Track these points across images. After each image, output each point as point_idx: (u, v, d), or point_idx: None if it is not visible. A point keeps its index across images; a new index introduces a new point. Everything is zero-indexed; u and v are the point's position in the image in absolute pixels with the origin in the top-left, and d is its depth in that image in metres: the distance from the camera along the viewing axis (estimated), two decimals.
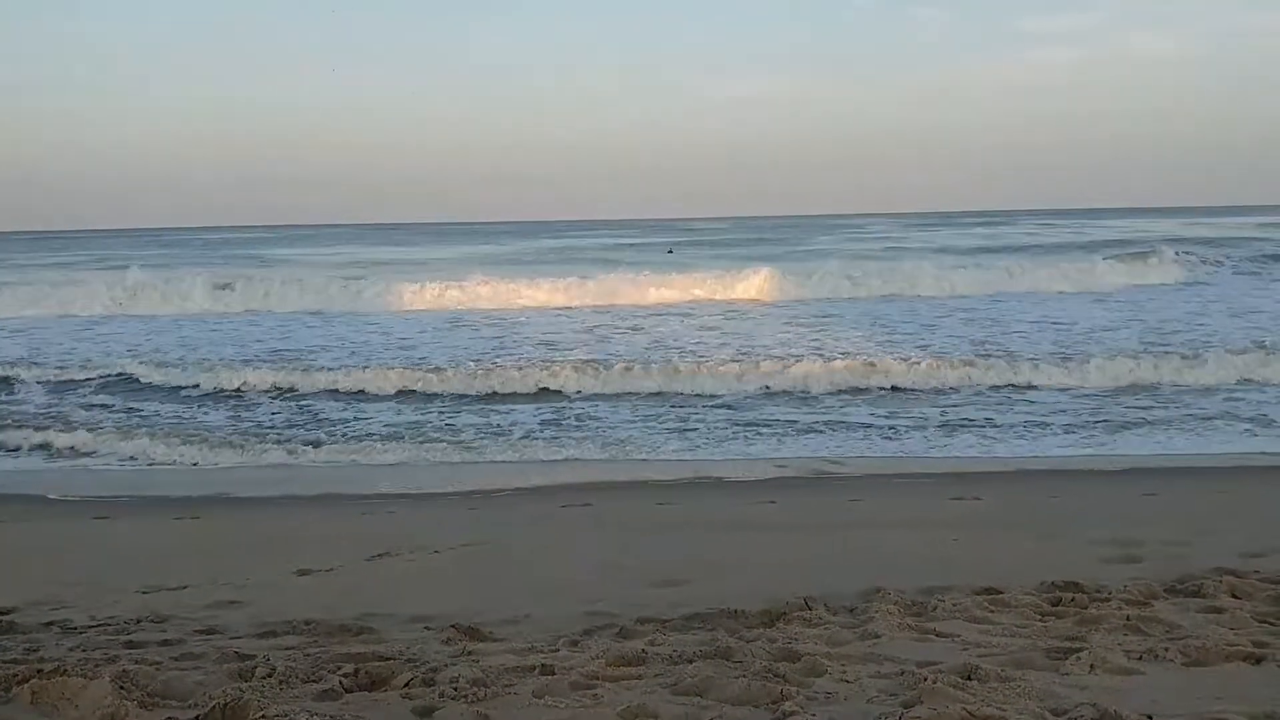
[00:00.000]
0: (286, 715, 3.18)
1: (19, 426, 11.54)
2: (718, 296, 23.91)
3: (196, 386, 13.76)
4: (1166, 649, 3.82)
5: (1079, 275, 25.25)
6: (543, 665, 3.75)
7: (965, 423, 11.32)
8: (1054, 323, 18.48)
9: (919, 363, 13.75)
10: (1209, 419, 11.20)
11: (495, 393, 13.26)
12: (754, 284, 24.53)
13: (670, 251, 53.34)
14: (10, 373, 14.71)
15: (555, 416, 12.09)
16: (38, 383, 14.27)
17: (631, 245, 59.26)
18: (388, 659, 3.91)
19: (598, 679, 3.62)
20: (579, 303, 23.22)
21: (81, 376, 14.59)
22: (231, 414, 12.57)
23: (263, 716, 3.18)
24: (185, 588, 5.53)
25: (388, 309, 22.87)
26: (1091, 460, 9.67)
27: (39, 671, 3.55)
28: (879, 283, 24.65)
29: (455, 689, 3.48)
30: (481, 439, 11.07)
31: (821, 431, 11.13)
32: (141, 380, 14.25)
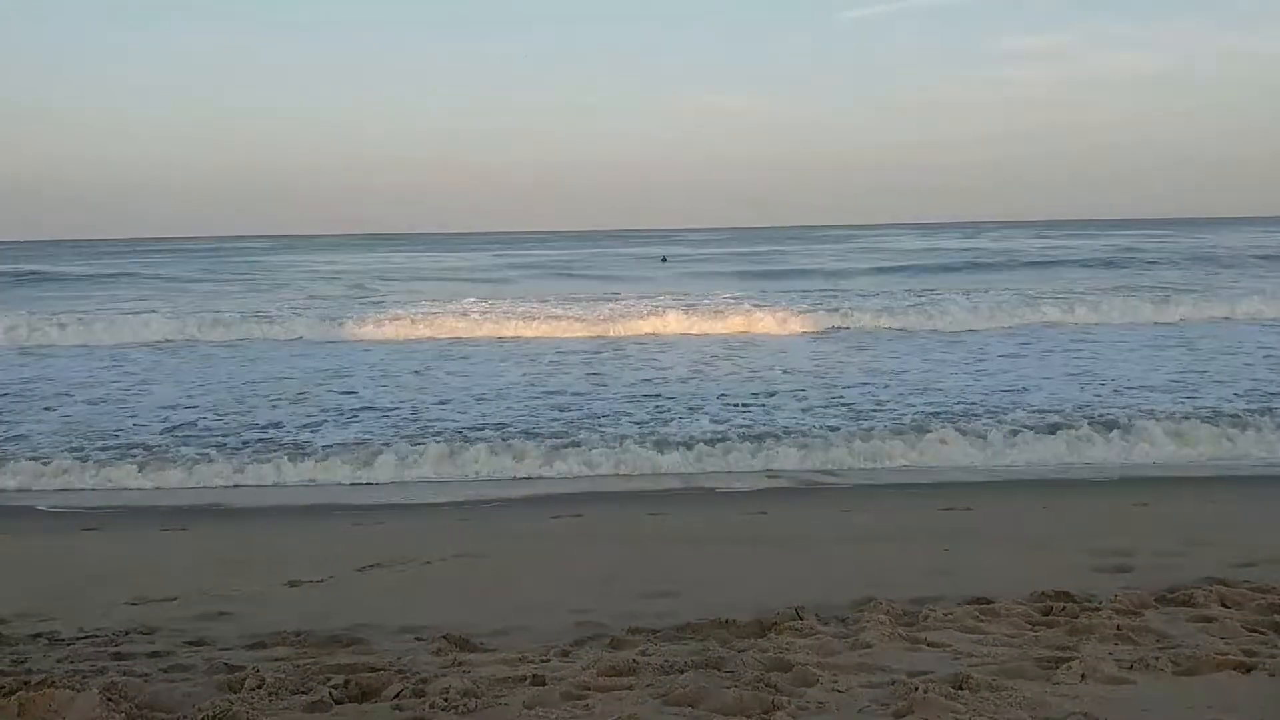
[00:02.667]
0: None
1: None
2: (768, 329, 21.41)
3: None
4: (1157, 658, 3.83)
5: None
6: (534, 676, 3.75)
7: None
8: None
9: None
10: None
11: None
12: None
13: (664, 260, 53.53)
14: None
15: None
16: None
17: (626, 255, 59.43)
18: (378, 670, 3.90)
19: (589, 689, 3.62)
20: (585, 329, 21.21)
21: None
22: None
23: None
24: (174, 599, 5.50)
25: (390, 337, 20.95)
26: (1082, 470, 9.69)
27: (26, 684, 3.53)
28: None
29: (446, 700, 3.48)
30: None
31: None
32: None
